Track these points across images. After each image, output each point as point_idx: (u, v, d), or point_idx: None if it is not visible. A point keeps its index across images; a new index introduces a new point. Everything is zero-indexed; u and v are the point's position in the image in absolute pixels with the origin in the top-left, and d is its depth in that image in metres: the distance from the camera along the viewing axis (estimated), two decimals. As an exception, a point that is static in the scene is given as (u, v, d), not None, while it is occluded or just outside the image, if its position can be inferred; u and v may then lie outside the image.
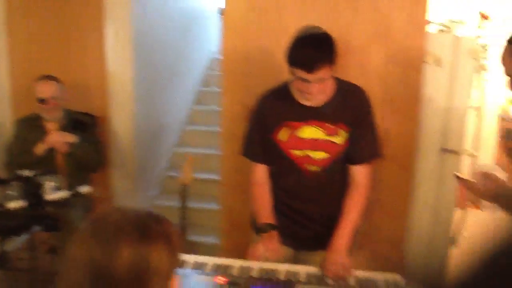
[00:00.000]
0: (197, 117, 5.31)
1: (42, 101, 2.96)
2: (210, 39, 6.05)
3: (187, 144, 5.03)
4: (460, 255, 2.45)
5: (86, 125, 3.22)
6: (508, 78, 1.72)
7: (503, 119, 5.14)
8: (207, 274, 1.67)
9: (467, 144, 2.49)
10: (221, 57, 2.48)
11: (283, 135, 1.93)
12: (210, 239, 3.70)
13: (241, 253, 1.93)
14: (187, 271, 1.70)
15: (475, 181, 1.63)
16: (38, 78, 3.02)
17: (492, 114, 5.15)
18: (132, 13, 3.58)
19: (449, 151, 2.49)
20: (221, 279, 1.61)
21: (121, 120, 3.69)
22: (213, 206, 4.11)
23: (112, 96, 3.64)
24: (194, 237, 3.70)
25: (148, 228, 0.95)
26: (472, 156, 2.50)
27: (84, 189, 2.58)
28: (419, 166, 2.49)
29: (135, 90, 3.71)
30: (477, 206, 2.76)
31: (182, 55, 4.95)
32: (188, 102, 5.27)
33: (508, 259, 0.70)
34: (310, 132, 1.90)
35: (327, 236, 1.96)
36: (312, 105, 1.89)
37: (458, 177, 1.75)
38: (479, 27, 5.21)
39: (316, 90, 1.76)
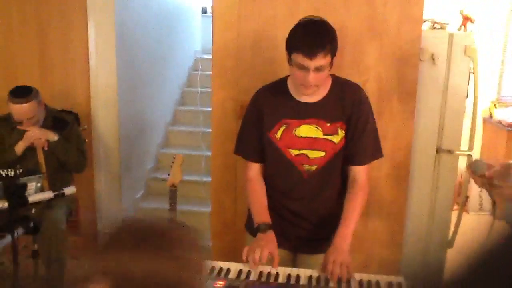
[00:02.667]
0: (181, 118, 5.23)
1: (18, 122, 2.83)
2: (193, 39, 5.98)
3: (171, 145, 4.94)
4: (456, 257, 2.41)
5: (68, 123, 3.10)
6: None
7: (486, 121, 5.20)
8: (204, 278, 1.59)
9: (463, 144, 2.46)
10: (210, 55, 2.41)
11: (280, 133, 1.86)
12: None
13: (233, 254, 1.85)
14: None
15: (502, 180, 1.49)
16: (11, 96, 2.75)
17: (478, 115, 5.20)
18: (115, 10, 3.49)
19: (445, 151, 2.45)
20: (219, 283, 1.53)
21: (106, 118, 3.59)
22: (199, 208, 4.03)
23: (95, 94, 3.54)
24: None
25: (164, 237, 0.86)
26: (468, 156, 2.46)
27: (69, 190, 2.46)
28: (415, 166, 2.45)
29: (119, 87, 3.61)
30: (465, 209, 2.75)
31: (166, 54, 4.87)
32: (172, 102, 5.18)
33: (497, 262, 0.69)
34: (308, 130, 1.84)
35: (325, 237, 1.90)
36: (309, 102, 1.84)
37: (490, 184, 1.56)
38: (459, 29, 5.27)
39: (314, 79, 1.70)
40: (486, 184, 1.57)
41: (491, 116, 5.20)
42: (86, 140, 3.29)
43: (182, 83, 5.48)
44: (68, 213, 3.07)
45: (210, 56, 6.34)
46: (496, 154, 4.81)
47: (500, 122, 4.92)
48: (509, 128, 4.72)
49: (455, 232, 2.50)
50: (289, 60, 1.75)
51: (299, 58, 1.68)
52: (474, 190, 4.93)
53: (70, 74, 3.53)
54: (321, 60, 1.67)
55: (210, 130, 4.74)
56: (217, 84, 2.35)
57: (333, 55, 1.72)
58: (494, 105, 5.24)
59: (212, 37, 2.31)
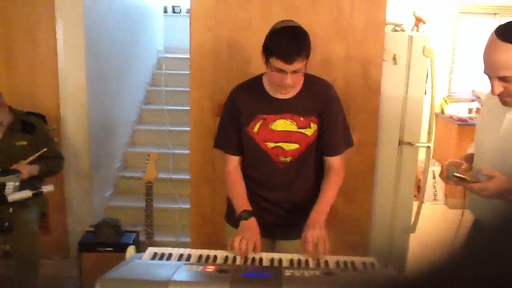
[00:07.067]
0: (147, 117, 5.25)
1: None
2: (156, 38, 6.00)
3: (138, 144, 4.96)
4: (417, 242, 2.62)
5: (36, 126, 3.09)
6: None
7: (438, 116, 5.51)
8: (195, 264, 1.69)
9: (422, 137, 2.67)
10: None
11: (257, 128, 1.99)
12: (171, 239, 3.68)
13: (212, 246, 1.94)
14: (174, 262, 1.72)
15: (479, 182, 1.63)
16: None
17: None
18: (83, 9, 3.50)
19: (406, 143, 2.65)
20: (210, 268, 1.64)
21: (75, 119, 3.59)
22: (169, 205, 4.09)
23: (65, 94, 3.54)
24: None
25: None
26: (427, 148, 2.68)
27: (47, 188, 2.49)
28: (380, 157, 2.64)
29: (88, 88, 3.62)
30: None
31: (131, 53, 4.88)
32: (138, 102, 5.20)
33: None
34: (283, 124, 1.97)
35: (300, 223, 2.05)
36: (284, 98, 1.97)
37: (460, 178, 1.72)
38: (412, 30, 5.56)
39: (291, 81, 1.84)
40: (459, 183, 1.76)
41: (442, 112, 5.53)
42: (56, 139, 3.30)
43: (147, 82, 5.50)
44: (41, 214, 3.07)
45: (172, 56, 6.38)
46: (448, 147, 5.13)
47: (451, 117, 5.24)
48: (459, 123, 5.04)
49: (417, 218, 2.70)
50: (266, 63, 1.86)
51: (277, 63, 1.80)
52: (429, 181, 5.24)
53: (38, 75, 3.51)
54: (298, 64, 1.80)
55: (176, 128, 4.86)
56: (194, 83, 2.44)
57: (307, 58, 1.85)
58: (445, 101, 5.58)
59: (190, 39, 2.39)
